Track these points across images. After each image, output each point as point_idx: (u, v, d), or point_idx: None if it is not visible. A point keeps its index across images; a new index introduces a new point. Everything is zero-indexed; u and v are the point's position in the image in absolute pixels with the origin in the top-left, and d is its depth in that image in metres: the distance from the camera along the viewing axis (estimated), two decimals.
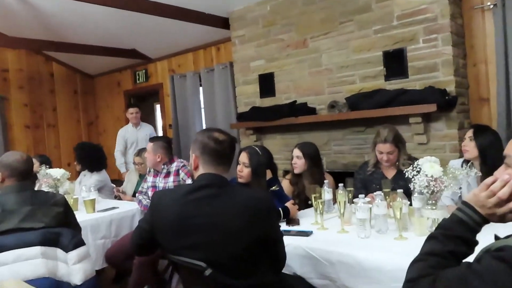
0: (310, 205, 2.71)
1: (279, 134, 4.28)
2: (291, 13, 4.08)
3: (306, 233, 1.97)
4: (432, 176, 1.80)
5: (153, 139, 3.20)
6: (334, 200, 2.40)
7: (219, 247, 1.44)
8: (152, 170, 3.21)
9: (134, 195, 3.71)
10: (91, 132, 7.08)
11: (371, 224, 1.90)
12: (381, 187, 2.32)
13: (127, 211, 3.10)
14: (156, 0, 4.01)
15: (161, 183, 3.09)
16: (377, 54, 3.56)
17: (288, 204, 2.32)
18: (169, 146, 3.17)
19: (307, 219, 2.30)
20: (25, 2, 4.63)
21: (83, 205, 3.05)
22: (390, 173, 2.62)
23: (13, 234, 1.92)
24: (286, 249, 1.64)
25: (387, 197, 2.15)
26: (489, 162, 2.23)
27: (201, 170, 1.55)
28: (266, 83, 4.32)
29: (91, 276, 1.94)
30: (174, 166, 3.10)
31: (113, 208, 3.12)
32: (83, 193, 3.12)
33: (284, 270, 1.70)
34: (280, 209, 2.22)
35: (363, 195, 1.95)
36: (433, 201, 1.83)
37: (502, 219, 0.98)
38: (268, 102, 4.29)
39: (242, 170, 2.34)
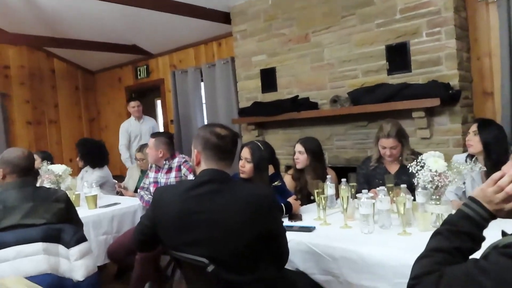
0: (313, 201, 2.70)
1: (281, 129, 4.26)
2: (293, 7, 4.04)
3: (308, 229, 1.96)
4: (436, 171, 1.78)
5: (155, 134, 3.19)
6: (337, 195, 2.39)
7: (221, 243, 1.43)
8: (153, 165, 3.20)
9: (136, 191, 3.71)
10: (93, 128, 7.07)
11: (374, 219, 1.88)
12: (384, 182, 2.31)
13: (129, 207, 3.09)
14: None
15: (163, 178, 3.08)
16: (379, 48, 3.53)
17: (291, 200, 2.30)
18: (171, 142, 3.16)
19: (309, 214, 2.28)
20: None
21: (85, 201, 3.04)
22: (393, 168, 2.61)
23: (14, 230, 1.92)
24: (289, 244, 1.63)
25: (390, 192, 2.14)
26: (493, 156, 2.21)
27: (203, 166, 1.54)
28: (268, 78, 4.29)
29: (93, 272, 1.94)
30: (176, 162, 3.09)
31: (115, 204, 3.11)
32: (85, 189, 3.11)
33: (287, 266, 1.69)
34: (282, 204, 2.21)
35: (366, 190, 1.93)
36: (437, 196, 1.81)
37: (510, 214, 0.96)
38: (270, 97, 4.27)
39: (244, 165, 2.33)
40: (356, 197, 2.20)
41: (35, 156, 3.69)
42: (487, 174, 2.16)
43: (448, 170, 1.79)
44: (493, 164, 2.14)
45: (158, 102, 6.40)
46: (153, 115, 6.44)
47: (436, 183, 1.78)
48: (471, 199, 1.00)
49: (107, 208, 2.99)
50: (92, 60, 6.49)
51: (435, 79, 3.20)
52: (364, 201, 1.83)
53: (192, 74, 5.39)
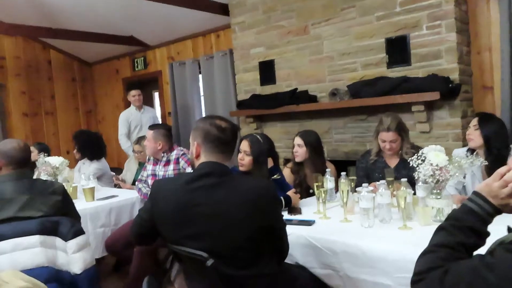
0: (312, 194, 2.69)
1: (280, 122, 4.24)
2: None
3: (308, 222, 1.95)
4: (437, 165, 1.77)
5: (153, 126, 3.16)
6: (336, 188, 2.38)
7: (220, 237, 1.42)
8: (151, 158, 3.18)
9: (133, 184, 3.69)
10: (90, 120, 7.03)
11: (374, 213, 1.87)
12: (383, 176, 2.30)
13: (127, 199, 3.07)
14: None
15: (161, 171, 3.06)
16: (379, 41, 3.50)
17: (290, 193, 2.29)
18: (170, 134, 3.13)
19: (309, 208, 2.27)
20: None
21: (83, 194, 3.02)
22: (393, 162, 2.60)
23: (11, 223, 1.90)
24: (288, 238, 1.62)
25: (390, 186, 2.13)
26: (494, 151, 2.20)
27: (202, 158, 1.52)
28: (267, 71, 4.26)
29: (91, 265, 1.93)
30: (174, 155, 3.07)
31: (113, 196, 3.09)
32: (82, 181, 3.09)
33: (286, 260, 1.68)
34: (282, 198, 2.20)
35: (367, 184, 1.92)
36: (438, 190, 1.80)
37: None
38: (268, 89, 4.24)
39: (243, 158, 2.31)
40: (355, 191, 2.19)
41: (32, 148, 3.68)
42: (488, 169, 2.16)
43: (449, 164, 1.78)
44: (493, 158, 2.14)
45: (156, 94, 6.35)
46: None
47: (437, 177, 1.77)
48: (476, 193, 0.99)
49: (104, 201, 2.98)
50: (89, 51, 6.42)
51: (435, 72, 3.19)
52: (364, 195, 1.82)
53: (190, 66, 5.34)
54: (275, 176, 2.35)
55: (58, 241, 1.90)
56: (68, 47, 6.45)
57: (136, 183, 3.26)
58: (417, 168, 1.88)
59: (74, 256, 1.87)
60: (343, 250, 1.67)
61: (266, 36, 4.24)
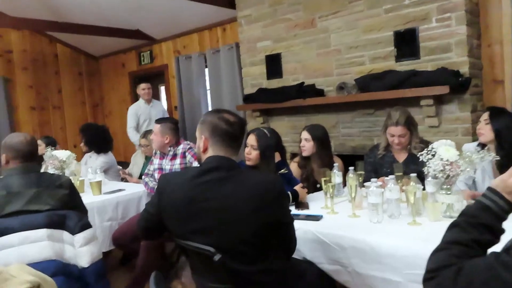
0: (319, 189, 2.67)
1: (286, 116, 4.21)
2: None
3: (316, 217, 1.93)
4: (447, 160, 1.74)
5: (160, 120, 3.15)
6: (344, 183, 2.36)
7: (228, 232, 1.41)
8: (158, 152, 3.17)
9: (140, 177, 3.69)
10: (97, 114, 7.04)
11: (383, 208, 1.85)
12: (392, 171, 2.27)
13: (134, 193, 3.08)
14: None
15: (167, 165, 3.06)
16: (387, 34, 3.45)
17: (297, 188, 2.27)
18: (177, 128, 3.12)
19: (316, 203, 2.25)
20: None
21: (90, 187, 3.03)
22: (401, 157, 2.57)
23: (18, 216, 1.90)
24: (296, 233, 1.60)
25: (399, 181, 2.11)
26: (505, 145, 2.16)
27: (210, 153, 1.50)
28: (273, 64, 4.22)
29: (98, 259, 1.93)
30: (180, 149, 3.06)
31: (120, 190, 3.10)
32: (89, 175, 3.10)
33: (294, 255, 1.67)
34: (289, 192, 2.18)
35: (375, 179, 1.90)
36: (448, 186, 1.78)
37: None
38: (275, 83, 4.21)
39: (250, 152, 2.29)
40: (363, 186, 2.17)
41: (39, 142, 3.69)
42: (499, 164, 2.12)
43: (460, 159, 1.75)
44: (505, 153, 2.10)
45: (162, 88, 6.34)
46: None
47: (447, 172, 1.74)
48: (491, 190, 0.96)
49: (111, 195, 2.98)
50: (95, 45, 6.42)
51: (444, 66, 3.14)
52: (373, 190, 1.80)
53: (196, 60, 5.32)
54: (282, 170, 2.33)
55: (65, 234, 1.91)
56: (74, 41, 6.45)
57: (143, 177, 3.26)
58: (427, 163, 1.85)
59: (81, 250, 1.87)
60: (352, 245, 1.65)
61: (273, 29, 4.20)
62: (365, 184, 2.10)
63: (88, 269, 1.88)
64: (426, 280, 0.89)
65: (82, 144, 4.01)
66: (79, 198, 2.26)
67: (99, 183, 3.01)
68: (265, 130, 2.36)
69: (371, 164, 2.65)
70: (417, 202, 1.78)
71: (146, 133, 3.78)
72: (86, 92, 6.91)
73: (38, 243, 1.86)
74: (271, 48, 4.25)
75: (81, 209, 2.21)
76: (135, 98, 6.51)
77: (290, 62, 4.13)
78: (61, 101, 6.59)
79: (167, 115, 5.25)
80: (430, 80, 3.08)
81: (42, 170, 3.04)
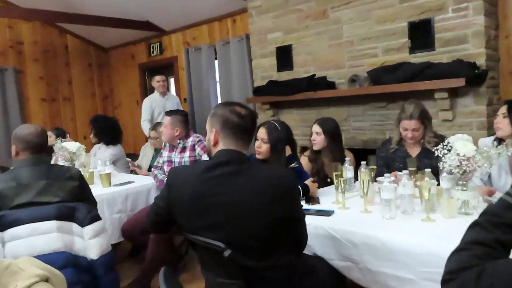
0: (329, 183, 2.63)
1: (296, 109, 4.16)
2: None
3: (327, 213, 1.90)
4: (464, 155, 1.68)
5: (170, 112, 3.12)
6: (355, 178, 2.32)
7: (238, 227, 1.38)
8: (167, 144, 3.16)
9: (149, 170, 3.69)
10: (107, 106, 7.06)
11: (396, 204, 1.81)
12: (404, 166, 2.22)
13: (143, 185, 3.07)
14: None
15: (177, 158, 3.04)
16: (402, 25, 3.37)
17: (308, 182, 2.24)
18: (187, 120, 3.10)
19: (327, 197, 2.22)
20: None
21: (99, 179, 3.03)
22: (415, 151, 2.51)
23: (28, 208, 1.90)
24: (307, 229, 1.57)
25: (412, 176, 2.06)
26: None
27: (220, 146, 1.47)
28: (284, 56, 4.17)
29: (107, 251, 1.92)
30: (190, 141, 3.04)
31: (129, 182, 3.09)
32: (99, 166, 3.10)
33: (304, 251, 1.64)
34: (299, 187, 2.14)
35: (389, 174, 1.85)
36: (464, 182, 1.72)
37: None
38: (285, 76, 4.15)
39: (261, 146, 2.26)
40: (375, 181, 2.13)
41: (49, 133, 3.70)
42: None
43: (477, 155, 1.69)
44: None
45: (172, 81, 6.32)
46: None
47: (464, 168, 1.69)
48: None
49: (121, 187, 2.98)
50: (105, 36, 6.42)
51: (460, 58, 3.05)
52: (386, 185, 1.76)
53: (206, 52, 5.28)
54: (292, 164, 2.29)
55: (74, 226, 1.90)
56: (84, 32, 6.45)
57: (152, 169, 3.25)
58: (442, 158, 1.79)
59: (90, 242, 1.87)
60: (363, 241, 1.62)
61: (284, 20, 4.14)
62: (378, 179, 2.06)
63: (97, 262, 1.88)
64: (445, 281, 0.85)
65: (91, 136, 4.02)
66: (89, 190, 2.25)
67: (108, 175, 3.01)
68: (276, 123, 2.32)
69: (383, 158, 2.60)
70: (431, 198, 1.73)
71: (156, 125, 3.77)
72: (96, 84, 6.92)
73: (47, 234, 1.86)
74: (281, 39, 4.19)
75: (91, 201, 2.21)
76: (145, 90, 6.53)
77: (301, 54, 4.07)
78: (71, 92, 6.61)
79: (181, 108, 5.20)
80: (445, 72, 3.01)
81: (52, 162, 3.05)
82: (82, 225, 1.88)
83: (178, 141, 3.05)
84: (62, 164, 2.91)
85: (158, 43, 6.15)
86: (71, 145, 3.14)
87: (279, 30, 4.20)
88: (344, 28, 3.73)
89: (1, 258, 1.75)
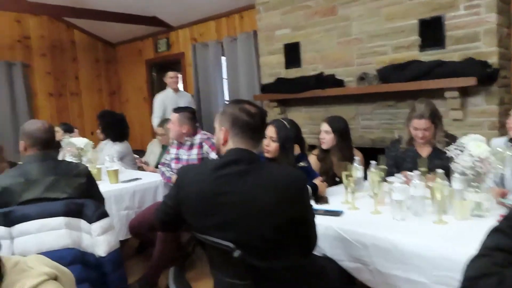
0: (338, 182, 2.61)
1: (304, 107, 4.13)
2: None
3: (336, 213, 1.88)
4: (478, 157, 1.65)
5: (178, 109, 3.10)
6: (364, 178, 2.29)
7: (248, 227, 1.36)
8: (175, 141, 3.15)
9: (156, 166, 3.68)
10: (114, 101, 7.06)
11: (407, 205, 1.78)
12: (415, 166, 2.19)
13: (150, 182, 3.07)
14: None
15: (184, 155, 3.03)
16: (412, 22, 3.33)
17: (317, 181, 2.21)
18: (194, 118, 3.08)
19: (336, 197, 2.19)
20: None
21: (107, 175, 3.03)
22: (425, 151, 2.48)
23: (36, 203, 1.90)
24: (317, 229, 1.55)
25: (423, 176, 2.03)
26: None
27: (230, 145, 1.45)
28: (292, 53, 4.14)
29: (115, 248, 1.92)
30: (197, 139, 3.02)
31: (136, 179, 3.09)
32: (107, 163, 3.09)
33: (314, 251, 1.62)
34: (308, 186, 2.12)
35: (400, 175, 1.82)
36: (477, 183, 1.69)
37: None
38: (293, 73, 4.12)
39: (269, 144, 2.24)
40: (385, 181, 2.10)
41: (57, 129, 3.71)
42: None
43: (491, 156, 1.66)
44: None
45: (179, 77, 6.30)
46: None
47: (477, 169, 1.66)
48: None
49: (129, 183, 2.97)
50: (112, 32, 6.41)
51: (471, 56, 3.01)
52: (398, 186, 1.73)
53: (213, 48, 5.26)
54: (301, 163, 2.27)
55: (82, 223, 1.90)
56: (91, 27, 6.45)
57: (159, 166, 3.24)
58: (455, 158, 1.76)
59: (98, 239, 1.86)
60: (374, 243, 1.60)
61: (292, 16, 4.10)
62: (388, 179, 2.03)
63: (105, 259, 1.87)
64: None
65: (98, 131, 4.01)
66: (96, 187, 2.25)
67: (116, 172, 3.00)
68: (285, 122, 2.30)
69: (392, 158, 2.57)
70: (443, 200, 1.70)
71: (163, 122, 3.76)
72: (103, 79, 6.92)
73: (56, 231, 1.86)
74: (289, 36, 4.16)
75: (98, 198, 2.21)
76: (152, 86, 6.52)
77: (309, 51, 4.03)
78: (79, 88, 6.62)
79: (193, 106, 5.06)
80: (456, 71, 2.97)
81: (59, 157, 3.06)
82: (90, 221, 1.88)
83: (186, 138, 3.04)
84: (69, 159, 2.92)
85: (165, 39, 6.13)
86: (79, 141, 3.14)
87: (287, 27, 4.16)
88: (353, 25, 3.69)
89: (9, 253, 1.75)
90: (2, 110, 5.72)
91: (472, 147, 1.68)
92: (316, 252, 1.68)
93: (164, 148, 3.73)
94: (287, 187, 1.39)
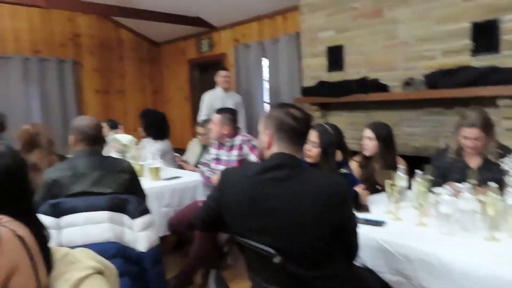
0: (379, 191, 2.53)
1: (346, 112, 4.05)
2: None
3: (378, 223, 1.82)
4: None
5: (220, 110, 3.14)
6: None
7: (288, 234, 1.34)
8: (215, 142, 3.18)
9: (196, 166, 3.73)
10: (157, 100, 7.22)
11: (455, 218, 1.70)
12: (463, 177, 2.08)
13: (190, 181, 3.11)
14: None
15: (224, 156, 3.06)
16: (464, 25, 3.17)
17: (358, 189, 2.16)
18: (235, 119, 3.10)
19: (377, 206, 2.12)
20: None
21: (149, 172, 3.10)
22: (474, 162, 2.35)
23: (83, 197, 1.97)
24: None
25: (473, 189, 1.92)
26: None
27: (274, 149, 1.44)
28: (335, 56, 4.07)
29: (155, 244, 1.96)
30: (238, 140, 3.04)
31: (177, 177, 3.14)
32: (149, 160, 3.17)
33: (354, 261, 1.57)
34: None
35: (448, 187, 1.74)
36: None
37: None
38: (335, 76, 4.05)
39: (311, 149, 2.20)
40: (431, 192, 2.01)
41: (103, 125, 3.84)
42: None
43: None
44: None
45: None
46: None
47: None
48: None
49: (169, 181, 3.03)
50: (157, 31, 6.57)
51: None
52: (446, 198, 1.65)
53: (255, 49, 5.27)
54: (342, 169, 2.22)
55: (125, 218, 1.95)
56: (137, 27, 6.65)
57: (199, 166, 3.29)
58: (510, 172, 1.66)
59: (139, 234, 1.91)
60: (418, 257, 1.53)
61: (337, 18, 4.03)
62: (434, 190, 1.94)
63: (146, 254, 1.92)
64: None
65: (140, 129, 4.12)
66: (139, 183, 2.31)
67: (158, 169, 3.07)
68: (327, 127, 2.26)
69: (439, 168, 2.45)
70: (497, 215, 1.61)
71: (204, 122, 3.80)
72: (147, 78, 7.12)
73: (100, 224, 1.92)
74: (333, 39, 4.09)
75: (141, 194, 2.26)
76: (193, 86, 6.63)
77: (352, 54, 3.95)
78: (124, 86, 6.84)
79: (242, 107, 4.93)
80: (511, 78, 2.80)
81: (104, 153, 3.16)
82: (133, 217, 1.93)
83: (226, 139, 3.06)
84: (114, 155, 3.02)
85: (208, 40, 6.21)
86: (123, 137, 3.24)
87: (331, 29, 4.10)
88: (400, 28, 3.57)
89: (57, 243, 1.83)
90: (53, 104, 6.02)
91: None
92: (357, 262, 1.63)
93: (204, 148, 3.77)
94: (330, 195, 1.36)
